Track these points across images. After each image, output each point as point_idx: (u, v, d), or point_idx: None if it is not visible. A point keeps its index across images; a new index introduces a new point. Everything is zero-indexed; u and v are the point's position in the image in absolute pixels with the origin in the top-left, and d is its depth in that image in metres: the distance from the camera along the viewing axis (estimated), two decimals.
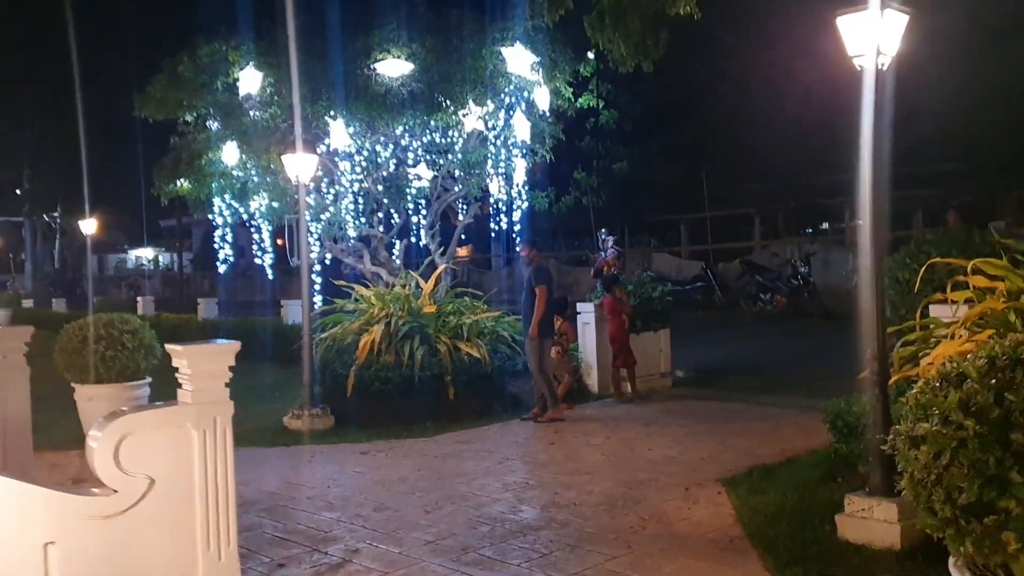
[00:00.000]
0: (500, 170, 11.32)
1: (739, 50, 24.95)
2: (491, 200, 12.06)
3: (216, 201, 12.14)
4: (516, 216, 12.07)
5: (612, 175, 28.13)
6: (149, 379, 9.73)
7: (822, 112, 24.72)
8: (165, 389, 11.86)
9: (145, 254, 62.07)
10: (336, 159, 11.10)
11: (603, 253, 14.48)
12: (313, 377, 9.83)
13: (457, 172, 11.74)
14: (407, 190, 11.47)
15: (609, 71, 17.81)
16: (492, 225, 12.22)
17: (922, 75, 14.85)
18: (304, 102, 10.08)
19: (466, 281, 25.30)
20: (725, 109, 26.69)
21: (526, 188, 12.61)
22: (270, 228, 12.62)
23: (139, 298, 23.65)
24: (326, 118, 10.30)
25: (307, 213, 11.23)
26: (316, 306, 11.69)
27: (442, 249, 11.71)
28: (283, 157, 9.82)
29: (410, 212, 11.61)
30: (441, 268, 11.14)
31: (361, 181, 11.25)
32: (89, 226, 22.46)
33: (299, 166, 9.74)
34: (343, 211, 11.11)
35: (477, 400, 10.00)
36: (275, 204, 11.79)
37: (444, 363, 9.88)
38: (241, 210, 12.15)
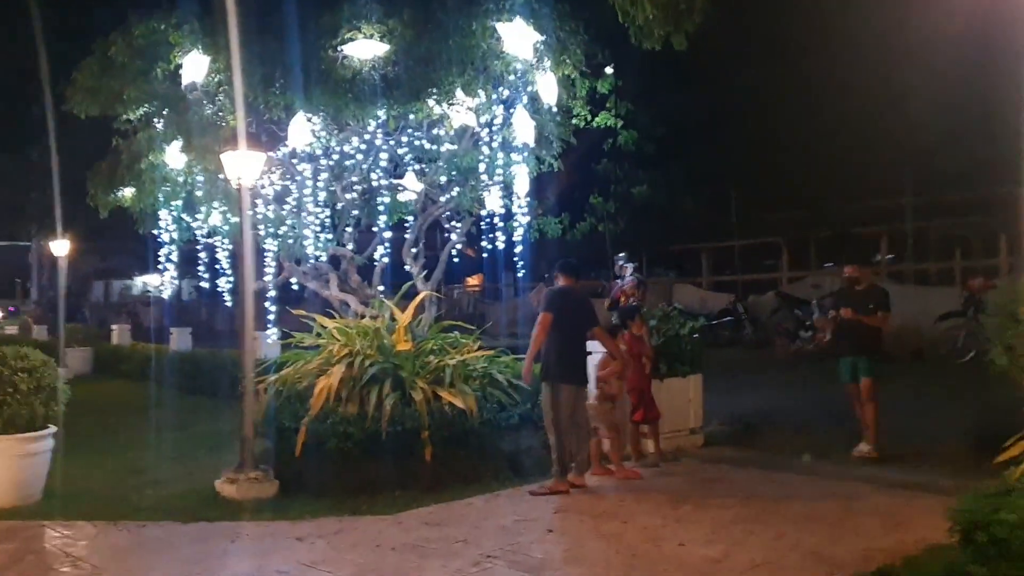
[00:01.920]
0: (497, 177, 9.31)
1: (770, 65, 23.20)
2: (487, 218, 10.05)
3: (163, 214, 10.20)
4: (518, 235, 10.07)
5: (631, 200, 26.13)
6: (53, 428, 7.78)
7: (855, 136, 22.97)
8: (77, 440, 9.93)
9: (151, 280, 60.59)
10: (295, 161, 9.15)
11: (620, 281, 12.45)
12: (256, 430, 7.82)
13: (443, 179, 9.74)
14: (383, 201, 9.48)
15: (628, 89, 15.93)
16: (484, 244, 10.21)
17: None
18: (254, 89, 8.19)
19: (471, 313, 23.24)
20: (753, 131, 24.94)
21: (531, 206, 10.64)
22: (229, 246, 10.65)
23: (114, 326, 21.79)
24: (280, 111, 8.36)
25: (260, 227, 9.30)
26: (271, 340, 9.73)
27: (425, 273, 9.69)
28: (222, 156, 7.90)
29: (384, 227, 9.60)
30: (423, 295, 9.14)
31: (325, 189, 9.29)
32: (60, 248, 20.59)
33: (241, 166, 7.82)
34: (303, 225, 9.12)
35: (460, 463, 7.94)
36: (230, 217, 9.83)
37: (420, 415, 7.86)
38: (195, 224, 10.20)
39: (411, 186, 10.20)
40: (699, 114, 25.61)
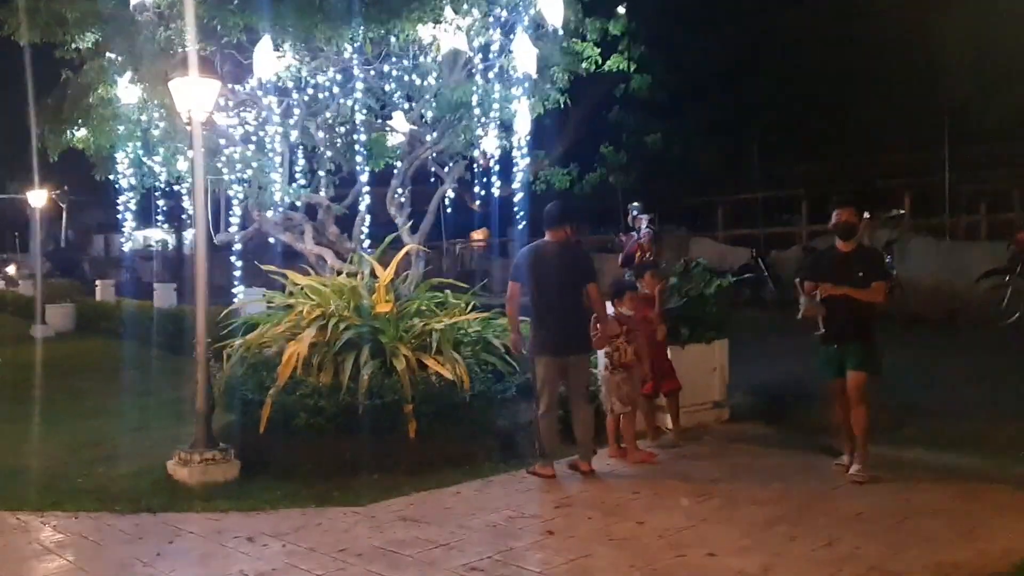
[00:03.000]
0: (494, 114, 8.09)
1: (794, 8, 21.94)
2: (481, 162, 8.87)
3: (120, 157, 9.05)
4: (517, 183, 8.90)
5: (643, 151, 24.82)
6: None
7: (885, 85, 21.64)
8: (33, 406, 8.92)
9: (153, 235, 59.47)
10: (260, 94, 7.95)
11: (635, 234, 11.27)
12: (210, 403, 6.76)
13: (430, 115, 8.51)
14: (364, 142, 8.29)
15: (643, 31, 14.61)
16: (479, 191, 9.00)
17: None
18: (208, 7, 7.00)
19: (472, 270, 22.05)
20: (775, 79, 23.74)
21: (533, 152, 9.46)
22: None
23: (98, 282, 20.75)
24: (239, 33, 7.15)
25: (224, 171, 8.16)
26: (238, 299, 8.64)
27: (411, 223, 8.54)
28: (170, 83, 6.74)
29: (365, 172, 8.41)
30: (408, 249, 8.01)
31: (298, 127, 8.11)
32: (37, 198, 19.52)
33: (192, 95, 6.66)
34: (271, 168, 7.95)
35: (449, 441, 6.89)
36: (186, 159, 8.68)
37: (402, 386, 6.80)
38: (156, 168, 9.05)
39: (398, 127, 9.01)
40: (717, 60, 24.37)
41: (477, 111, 7.91)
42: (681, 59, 23.87)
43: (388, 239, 7.90)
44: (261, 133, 8.26)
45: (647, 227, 11.19)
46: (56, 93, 8.82)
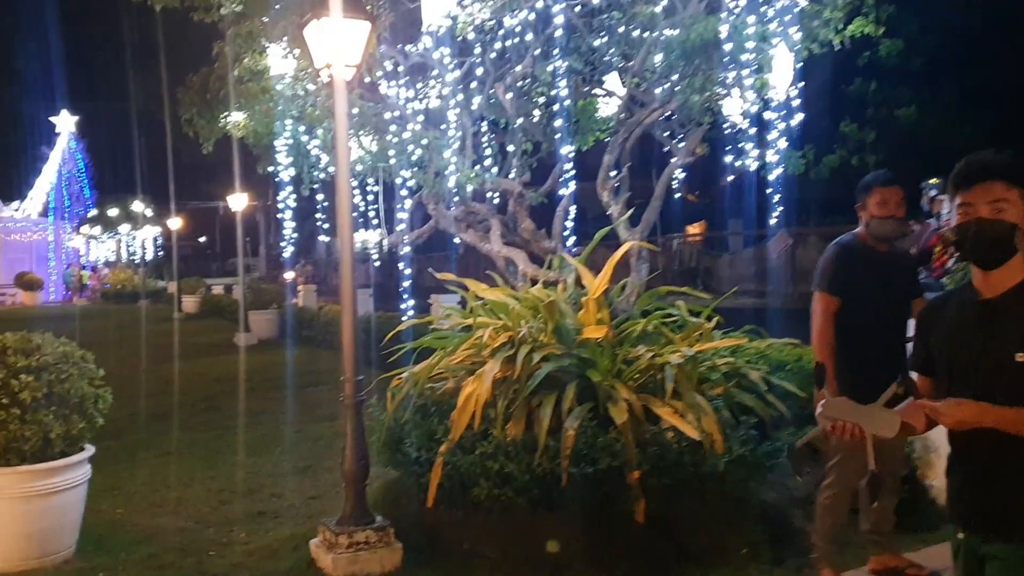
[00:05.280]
0: (747, 58, 5.78)
1: None
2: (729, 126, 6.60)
3: (279, 143, 7.52)
4: (773, 156, 6.58)
5: (893, 126, 21.43)
6: (85, 452, 5.32)
7: None
8: (189, 438, 7.57)
9: (370, 237, 61.02)
10: (436, 55, 6.08)
11: (933, 221, 8.53)
12: (363, 464, 4.96)
13: (657, 62, 6.26)
14: (568, 109, 6.23)
15: None
16: (733, 162, 6.68)
17: None
18: None
19: (693, 268, 19.48)
20: None
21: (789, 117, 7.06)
22: (375, 187, 7.85)
23: (300, 287, 20.11)
24: None
25: (390, 152, 6.38)
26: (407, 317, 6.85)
27: (629, 213, 6.37)
28: (305, 31, 4.99)
29: (564, 149, 6.34)
30: (627, 247, 5.86)
31: (480, 93, 6.19)
32: (238, 202, 19.05)
33: (333, 42, 4.89)
34: (444, 146, 6.05)
35: (692, 528, 4.73)
36: (366, 143, 6.99)
37: (623, 446, 4.71)
38: (317, 154, 7.47)
39: (613, 89, 6.91)
40: (980, 18, 21.29)
41: (728, 47, 5.59)
42: (936, 18, 20.58)
43: (600, 234, 5.78)
44: (436, 104, 6.41)
45: (948, 212, 8.46)
46: (203, 71, 7.42)
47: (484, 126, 6.88)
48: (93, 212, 44.05)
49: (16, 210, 40.52)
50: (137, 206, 38.19)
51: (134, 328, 20.78)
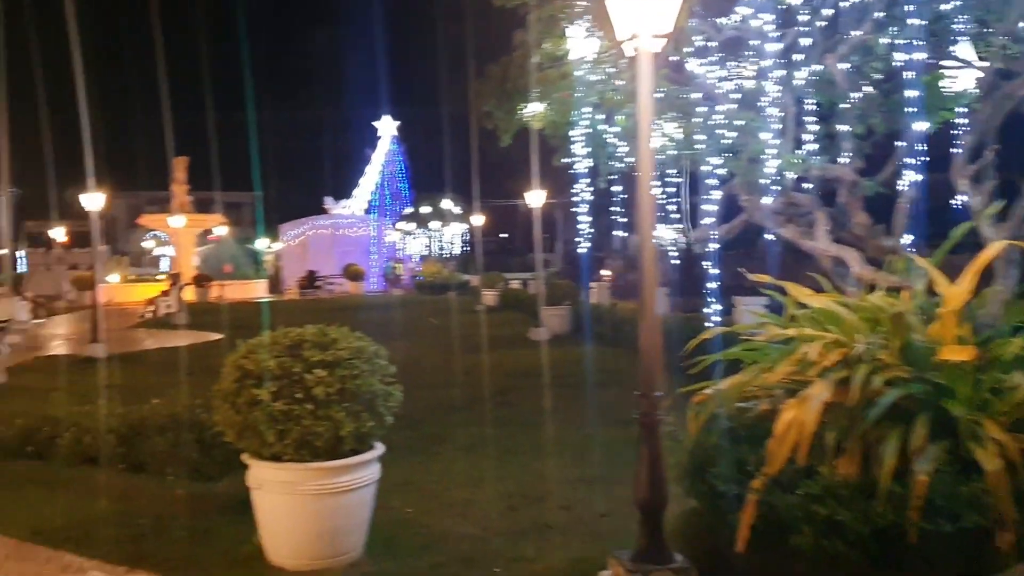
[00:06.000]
0: None
1: None
2: None
3: (575, 132, 7.10)
4: None
5: None
6: (376, 451, 5.21)
7: None
8: (481, 432, 7.35)
9: (668, 233, 60.27)
10: (745, 16, 5.30)
11: None
12: (659, 495, 4.34)
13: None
14: (912, 82, 5.17)
15: None
16: None
17: None
18: None
19: None
20: None
21: None
22: (677, 178, 7.22)
23: (592, 283, 19.89)
24: None
25: (701, 137, 5.69)
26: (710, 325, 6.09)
27: (997, 206, 5.16)
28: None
29: (912, 132, 5.26)
30: (992, 251, 4.71)
31: (804, 66, 5.29)
32: (536, 199, 19.10)
33: (640, 11, 4.31)
34: (761, 127, 5.24)
35: None
36: (671, 129, 6.37)
37: (995, 498, 3.69)
38: (615, 143, 6.97)
39: (968, 58, 5.71)
40: None
41: None
42: None
43: (958, 231, 4.68)
44: (751, 82, 5.61)
45: None
46: (502, 60, 7.17)
47: (809, 105, 5.96)
48: (409, 209, 47.61)
49: (344, 207, 44.72)
50: (446, 204, 40.58)
51: (445, 317, 22.58)
